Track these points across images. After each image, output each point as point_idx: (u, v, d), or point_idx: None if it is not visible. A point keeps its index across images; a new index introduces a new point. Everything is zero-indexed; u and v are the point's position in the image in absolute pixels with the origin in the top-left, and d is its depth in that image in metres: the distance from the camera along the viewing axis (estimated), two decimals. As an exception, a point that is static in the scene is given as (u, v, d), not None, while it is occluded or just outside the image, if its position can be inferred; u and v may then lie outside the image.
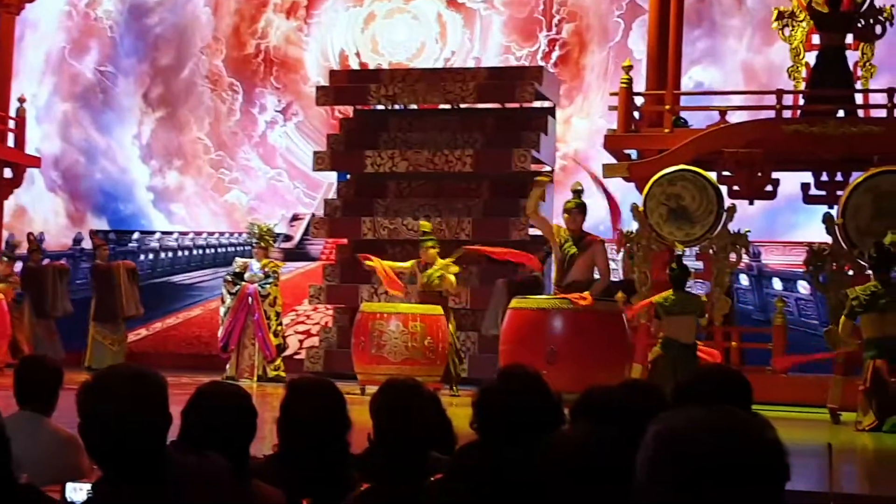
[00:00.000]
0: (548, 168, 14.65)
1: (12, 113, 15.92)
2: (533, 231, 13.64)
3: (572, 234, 10.14)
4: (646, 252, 11.69)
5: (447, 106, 14.86)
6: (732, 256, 11.58)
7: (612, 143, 12.64)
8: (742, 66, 16.43)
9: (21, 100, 15.81)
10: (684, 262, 10.16)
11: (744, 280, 15.16)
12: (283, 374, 12.85)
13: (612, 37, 16.95)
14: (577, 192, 10.43)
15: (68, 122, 18.76)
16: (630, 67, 12.66)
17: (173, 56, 18.46)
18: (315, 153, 14.99)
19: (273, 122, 18.15)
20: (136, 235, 18.11)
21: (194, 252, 17.96)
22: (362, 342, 11.35)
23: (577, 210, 10.17)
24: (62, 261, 16.05)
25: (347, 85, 15.15)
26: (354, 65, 17.72)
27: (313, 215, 15.91)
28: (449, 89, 14.43)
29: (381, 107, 15.03)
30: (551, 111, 14.91)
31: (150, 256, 17.84)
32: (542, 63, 16.57)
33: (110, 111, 18.68)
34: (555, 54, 17.18)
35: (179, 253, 17.89)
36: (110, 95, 18.66)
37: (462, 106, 14.78)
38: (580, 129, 16.96)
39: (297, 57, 18.27)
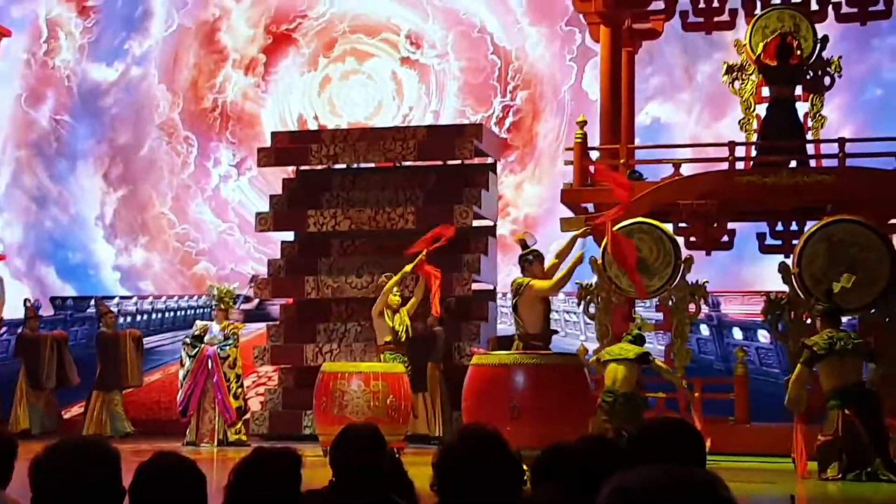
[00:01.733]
0: (490, 223, 14.76)
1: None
2: (476, 286, 13.73)
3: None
4: (606, 304, 11.74)
5: (390, 164, 14.96)
6: (692, 307, 11.65)
7: (568, 197, 12.72)
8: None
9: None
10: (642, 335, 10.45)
11: (704, 330, 15.26)
12: (244, 437, 12.72)
13: (563, 105, 17.20)
14: (525, 244, 10.47)
15: (21, 170, 18.80)
16: (584, 123, 12.78)
17: (131, 135, 18.58)
18: (257, 214, 15.02)
19: (227, 175, 18.23)
20: (93, 301, 17.96)
21: (153, 316, 17.85)
22: (324, 403, 11.26)
23: (537, 259, 10.15)
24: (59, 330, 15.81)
25: (289, 146, 15.18)
26: (314, 128, 17.85)
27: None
28: (389, 147, 14.54)
29: (323, 166, 15.08)
30: (492, 167, 15.03)
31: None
32: (495, 128, 16.82)
33: (64, 160, 18.72)
34: (508, 120, 17.43)
35: (139, 317, 17.77)
36: (64, 143, 18.74)
37: (405, 164, 14.87)
38: (531, 194, 17.18)
39: (253, 112, 18.40)
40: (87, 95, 18.74)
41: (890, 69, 15.64)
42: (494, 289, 14.75)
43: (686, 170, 12.45)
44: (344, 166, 15.03)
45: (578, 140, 12.59)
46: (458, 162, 14.71)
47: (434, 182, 14.64)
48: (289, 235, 15.19)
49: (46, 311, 18.12)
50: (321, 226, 14.32)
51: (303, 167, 15.30)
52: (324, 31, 18.42)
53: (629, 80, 13.71)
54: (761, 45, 12.64)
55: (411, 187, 14.53)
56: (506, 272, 15.62)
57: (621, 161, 12.58)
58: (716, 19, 13.85)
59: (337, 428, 11.00)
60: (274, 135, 15.90)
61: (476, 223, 14.28)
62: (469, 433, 3.06)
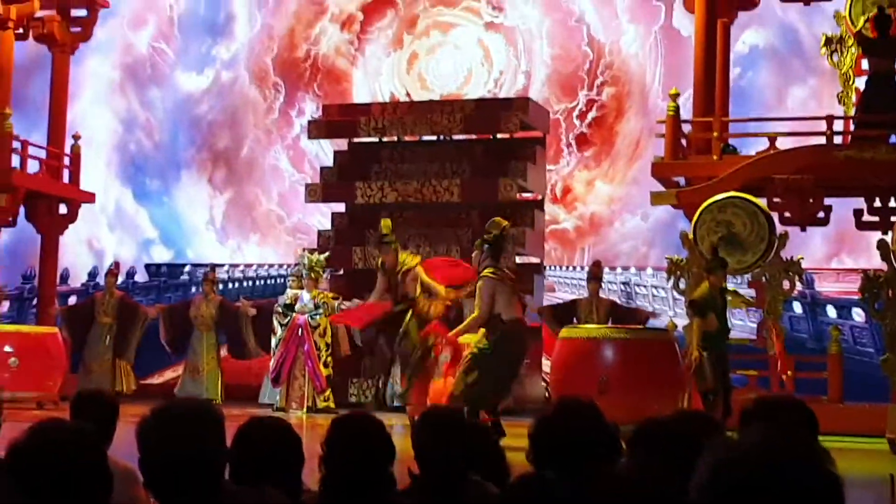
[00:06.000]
0: (537, 196, 14.68)
1: (66, 149, 16.13)
2: (521, 260, 13.63)
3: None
4: (696, 279, 11.59)
5: (436, 137, 14.92)
6: (786, 284, 11.47)
7: (659, 170, 12.59)
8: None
9: (76, 136, 16.02)
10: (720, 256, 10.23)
11: (797, 308, 15.02)
12: (332, 405, 12.86)
13: (650, 106, 16.92)
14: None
15: (113, 91, 19.25)
16: (677, 95, 12.62)
17: (229, 138, 18.85)
18: (307, 185, 15.14)
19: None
20: (187, 268, 18.28)
21: (245, 284, 18.11)
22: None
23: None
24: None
25: (338, 119, 15.23)
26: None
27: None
28: (436, 121, 14.53)
29: (371, 139, 15.08)
30: (540, 141, 14.93)
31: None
32: (577, 122, 16.71)
33: (155, 87, 19.15)
34: (591, 115, 17.27)
35: (231, 285, 18.03)
36: (159, 71, 19.17)
37: (454, 137, 14.82)
38: (602, 192, 17.07)
39: (343, 69, 18.53)
40: (182, 105, 19.08)
41: None
42: (541, 262, 14.67)
43: (782, 143, 12.23)
44: (395, 139, 15.03)
45: (671, 113, 12.43)
46: (508, 136, 14.65)
47: (481, 155, 14.62)
48: (337, 206, 15.26)
49: (141, 277, 18.51)
50: (368, 198, 14.41)
51: (354, 140, 15.33)
52: (416, 1, 18.40)
53: (724, 50, 13.48)
54: (861, 17, 12.33)
55: (458, 160, 14.53)
56: (555, 256, 15.87)
57: (714, 134, 12.40)
58: (815, -11, 13.56)
59: (426, 397, 11.07)
60: (324, 107, 15.98)
61: (521, 196, 14.24)
62: (566, 405, 3.05)
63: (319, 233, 15.01)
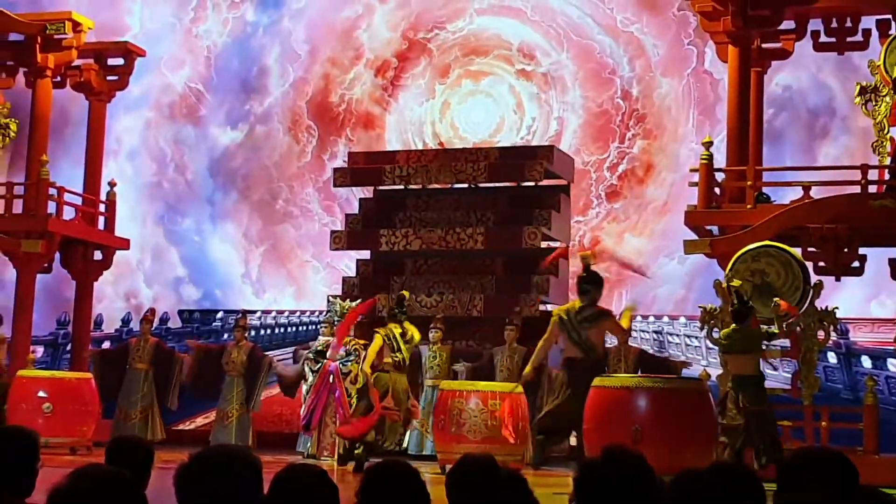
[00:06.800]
0: (561, 245, 14.65)
1: (102, 196, 16.29)
2: (545, 308, 13.56)
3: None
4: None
5: (463, 185, 14.95)
6: (820, 334, 11.38)
7: (692, 219, 12.56)
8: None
9: (112, 184, 16.19)
10: (745, 298, 10.10)
11: (832, 358, 14.88)
12: (363, 452, 12.79)
13: (687, 138, 16.91)
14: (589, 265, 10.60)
15: (149, 129, 19.52)
16: (710, 143, 12.62)
17: (264, 190, 19.00)
18: (332, 233, 15.18)
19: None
20: (219, 314, 18.34)
21: (276, 331, 18.14)
22: (442, 420, 11.33)
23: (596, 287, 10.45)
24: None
25: (364, 166, 15.29)
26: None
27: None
28: (461, 169, 14.58)
29: (396, 187, 15.12)
30: (565, 189, 14.93)
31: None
32: (607, 174, 16.72)
33: (190, 126, 19.32)
34: (621, 167, 17.29)
35: (262, 332, 18.08)
36: (195, 111, 19.35)
37: (479, 185, 14.85)
38: (630, 246, 17.03)
39: (375, 115, 18.65)
40: (219, 158, 19.29)
41: None
42: None
43: (816, 192, 12.19)
44: (420, 187, 15.07)
45: (704, 161, 12.42)
46: (532, 183, 14.67)
47: (505, 203, 14.65)
48: (366, 254, 15.29)
49: (174, 322, 18.59)
50: (393, 245, 14.44)
51: (380, 187, 15.38)
52: (450, 50, 18.54)
53: (757, 98, 13.49)
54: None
55: (483, 208, 14.57)
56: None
57: (748, 183, 12.37)
58: (848, 40, 13.56)
59: (454, 446, 11.13)
60: (350, 154, 16.05)
61: (545, 244, 14.22)
62: (613, 453, 3.04)
63: (344, 279, 15.05)
